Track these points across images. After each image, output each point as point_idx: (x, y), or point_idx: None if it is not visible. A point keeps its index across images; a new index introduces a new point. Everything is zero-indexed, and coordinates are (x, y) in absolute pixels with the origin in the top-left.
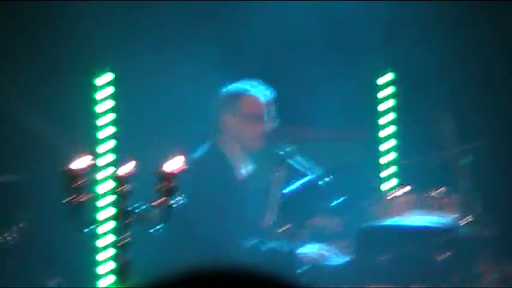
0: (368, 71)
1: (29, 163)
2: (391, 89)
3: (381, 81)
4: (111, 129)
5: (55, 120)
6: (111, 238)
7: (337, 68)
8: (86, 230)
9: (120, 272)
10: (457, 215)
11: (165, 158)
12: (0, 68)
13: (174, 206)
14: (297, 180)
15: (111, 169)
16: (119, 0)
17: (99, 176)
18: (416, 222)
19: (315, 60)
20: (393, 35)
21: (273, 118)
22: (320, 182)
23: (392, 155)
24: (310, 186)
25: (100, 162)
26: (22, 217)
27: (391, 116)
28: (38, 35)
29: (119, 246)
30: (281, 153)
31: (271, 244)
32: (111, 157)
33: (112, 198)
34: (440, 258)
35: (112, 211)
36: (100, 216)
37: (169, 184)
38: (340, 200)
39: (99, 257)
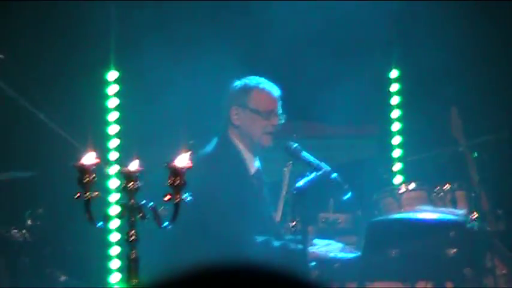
0: (375, 69)
1: (40, 160)
2: (396, 86)
3: (387, 78)
4: (119, 126)
5: (64, 117)
6: (121, 235)
7: (346, 66)
8: (97, 225)
9: (129, 269)
10: (466, 210)
11: (175, 154)
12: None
13: (184, 201)
14: (310, 173)
15: (121, 165)
16: (125, 0)
17: (110, 171)
18: (425, 217)
19: (324, 58)
20: (400, 33)
21: (282, 114)
22: (333, 176)
23: (401, 151)
24: (323, 179)
25: (110, 158)
26: (33, 214)
27: (398, 112)
28: (47, 36)
29: (127, 243)
30: (294, 146)
31: (283, 239)
32: (120, 153)
33: (121, 194)
34: (449, 253)
35: (121, 207)
36: (110, 212)
37: (179, 179)
38: (351, 195)
39: (109, 253)
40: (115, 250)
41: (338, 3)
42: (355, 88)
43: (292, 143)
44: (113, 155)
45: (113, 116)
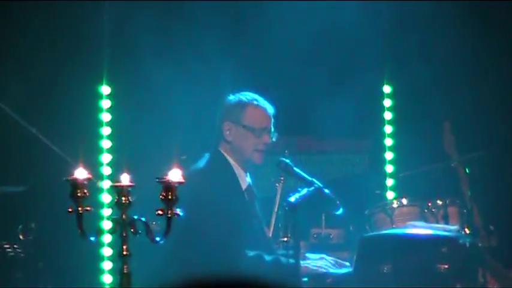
0: (368, 84)
1: (32, 174)
2: (389, 102)
3: (380, 94)
4: (111, 142)
5: (57, 132)
6: (113, 249)
7: (339, 81)
8: (90, 239)
9: (121, 283)
10: (458, 226)
11: (168, 168)
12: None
13: (177, 216)
14: (302, 188)
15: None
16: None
17: (102, 186)
18: (418, 232)
19: (317, 74)
20: (393, 49)
21: (273, 133)
22: (325, 191)
23: (393, 167)
24: (315, 195)
25: (102, 172)
26: (25, 228)
27: (391, 128)
28: (40, 50)
29: (120, 258)
30: (286, 162)
31: (275, 254)
32: (112, 168)
33: (114, 208)
34: (441, 268)
35: (113, 222)
36: (103, 226)
37: (172, 194)
38: (343, 210)
39: (102, 267)
40: (107, 265)
41: (332, 19)
42: (348, 104)
43: (284, 158)
44: (106, 170)
45: (105, 130)
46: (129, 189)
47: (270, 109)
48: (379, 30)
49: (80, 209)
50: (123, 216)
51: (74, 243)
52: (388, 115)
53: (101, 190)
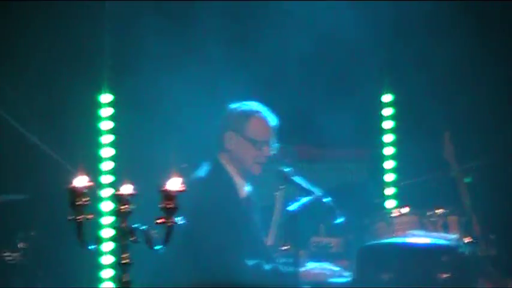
0: (369, 93)
1: (32, 182)
2: (390, 111)
3: (381, 103)
4: (113, 150)
5: (57, 140)
6: (113, 257)
7: (339, 90)
8: (89, 248)
9: None
10: (458, 235)
11: (167, 177)
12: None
13: (176, 225)
14: (302, 197)
15: (113, 188)
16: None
17: (102, 194)
18: (417, 241)
19: (317, 83)
20: (393, 59)
21: (274, 145)
22: (325, 200)
23: (394, 176)
24: (315, 204)
25: (103, 180)
26: (25, 236)
27: (391, 137)
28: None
29: (120, 266)
30: (286, 170)
31: (275, 263)
32: (113, 176)
33: (114, 217)
34: (441, 277)
35: (114, 230)
36: (103, 234)
37: (171, 203)
38: (343, 219)
39: (102, 275)
40: (107, 273)
41: (332, 29)
42: (348, 112)
43: (284, 167)
44: (106, 178)
45: (107, 138)
46: (130, 197)
47: (273, 121)
48: (379, 39)
49: (79, 217)
50: (123, 225)
51: (73, 252)
52: (389, 124)
53: (101, 198)
